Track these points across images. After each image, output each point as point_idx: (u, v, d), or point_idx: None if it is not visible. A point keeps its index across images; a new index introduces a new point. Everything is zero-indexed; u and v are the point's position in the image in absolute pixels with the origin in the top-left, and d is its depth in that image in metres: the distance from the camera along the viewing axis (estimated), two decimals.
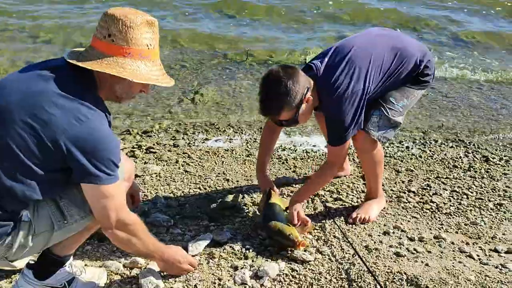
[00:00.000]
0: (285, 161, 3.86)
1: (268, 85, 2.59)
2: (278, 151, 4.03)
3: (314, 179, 3.01)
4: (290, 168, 3.74)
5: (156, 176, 3.61)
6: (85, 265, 2.51)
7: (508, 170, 3.81)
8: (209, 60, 6.16)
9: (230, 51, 6.39)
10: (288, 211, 2.84)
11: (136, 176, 3.60)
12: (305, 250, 2.67)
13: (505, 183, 3.60)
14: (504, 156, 4.07)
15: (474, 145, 4.27)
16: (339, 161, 2.91)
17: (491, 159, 4.00)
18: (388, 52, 2.78)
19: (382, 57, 2.75)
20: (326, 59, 2.73)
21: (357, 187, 3.44)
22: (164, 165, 3.77)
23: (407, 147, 4.19)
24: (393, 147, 4.17)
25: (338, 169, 3.57)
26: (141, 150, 4.02)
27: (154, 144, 4.14)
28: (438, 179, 3.64)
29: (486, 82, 5.57)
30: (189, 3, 8.23)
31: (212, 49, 6.50)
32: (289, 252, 2.62)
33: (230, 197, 3.24)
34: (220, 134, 4.35)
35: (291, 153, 4.02)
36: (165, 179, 3.56)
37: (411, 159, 3.98)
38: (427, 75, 2.92)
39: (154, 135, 4.34)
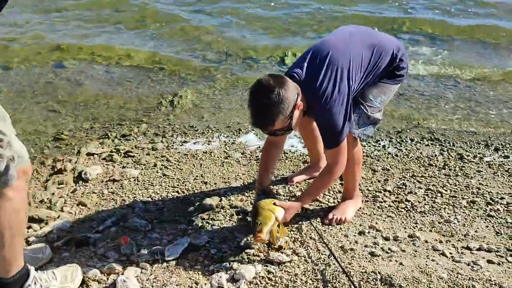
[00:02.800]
0: None
1: (260, 95, 2.52)
2: (256, 152, 4.06)
3: (314, 184, 2.98)
4: None
5: (135, 180, 3.62)
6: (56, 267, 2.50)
7: (482, 168, 3.88)
8: (188, 62, 6.16)
9: (210, 51, 6.40)
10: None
11: (114, 180, 3.62)
12: (281, 252, 2.70)
13: (478, 180, 3.66)
14: (478, 153, 4.14)
15: (449, 143, 4.34)
16: (342, 160, 2.82)
17: (466, 156, 4.06)
18: (366, 49, 2.82)
19: (361, 54, 2.79)
20: (306, 64, 2.73)
21: (334, 187, 3.47)
22: (142, 169, 3.78)
23: (384, 146, 4.24)
24: (370, 146, 4.22)
25: (316, 169, 3.63)
26: (120, 154, 4.02)
27: (132, 148, 4.14)
28: (414, 177, 3.69)
29: (462, 79, 5.65)
30: (168, 4, 8.24)
31: (192, 50, 6.50)
32: (265, 254, 2.66)
33: (208, 200, 3.26)
34: (199, 137, 4.36)
35: None
36: (144, 183, 3.57)
37: (387, 158, 4.03)
38: (402, 69, 2.97)
39: (132, 139, 4.34)
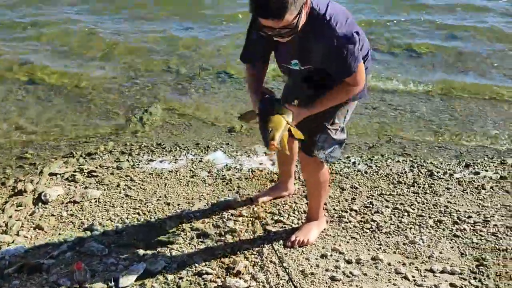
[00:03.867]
0: (229, 182, 3.81)
1: None
2: (222, 171, 3.98)
3: (329, 95, 2.60)
4: (234, 189, 3.69)
5: (96, 201, 3.53)
6: None
7: (451, 185, 3.83)
8: (162, 76, 6.08)
9: (184, 66, 6.32)
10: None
11: (75, 202, 3.52)
12: (239, 277, 2.62)
13: (447, 198, 3.61)
14: (449, 170, 4.09)
15: (420, 158, 4.29)
16: (361, 82, 2.56)
17: (436, 173, 4.01)
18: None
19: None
20: None
21: (300, 207, 3.40)
22: (105, 189, 3.69)
23: (354, 163, 4.18)
24: (340, 163, 4.16)
25: (283, 188, 3.55)
26: (83, 174, 3.93)
27: (97, 167, 4.05)
28: (382, 196, 3.63)
29: (435, 94, 5.61)
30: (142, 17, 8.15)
31: (165, 64, 6.42)
32: (223, 280, 2.58)
33: (168, 223, 3.17)
34: (166, 155, 4.27)
35: (236, 172, 3.97)
36: (105, 205, 3.48)
37: (356, 175, 3.97)
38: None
39: (98, 157, 4.25)
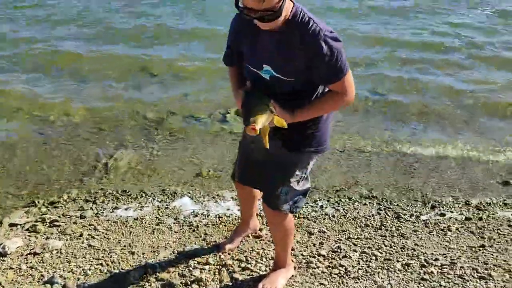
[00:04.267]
0: (196, 228, 3.75)
1: None
2: (189, 217, 3.92)
3: (317, 104, 2.50)
4: (200, 236, 3.63)
5: (57, 252, 3.42)
6: None
7: (418, 227, 3.85)
8: (129, 121, 6.02)
9: (151, 111, 6.28)
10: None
11: (35, 254, 3.40)
12: None
13: (414, 241, 3.62)
14: (415, 212, 4.12)
15: (386, 201, 4.31)
16: (352, 91, 2.48)
17: (403, 215, 4.03)
18: None
19: None
20: None
21: (267, 254, 3.36)
22: (67, 240, 3.59)
23: (321, 207, 4.17)
24: (307, 207, 4.14)
25: (246, 228, 3.51)
26: (45, 224, 3.81)
27: (59, 216, 3.94)
28: (349, 239, 3.62)
29: (400, 136, 5.69)
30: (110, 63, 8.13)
31: (132, 107, 6.37)
32: None
33: (132, 274, 3.09)
34: (131, 202, 4.20)
35: (203, 219, 3.92)
36: (66, 256, 3.38)
37: (324, 219, 3.96)
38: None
39: (61, 206, 4.14)
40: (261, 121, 2.27)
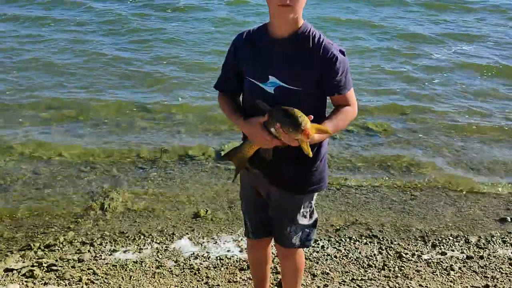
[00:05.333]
0: (197, 272, 3.69)
1: None
2: (190, 260, 3.86)
3: (340, 115, 2.48)
4: (202, 280, 3.57)
5: None
6: None
7: (421, 267, 3.83)
8: (122, 160, 5.97)
9: (144, 150, 6.25)
10: None
11: None
12: None
13: (418, 281, 3.60)
14: (416, 251, 4.10)
15: (387, 240, 4.29)
16: (356, 106, 2.57)
17: (404, 255, 4.01)
18: None
19: None
20: None
21: None
22: (66, 285, 3.51)
23: (323, 247, 4.14)
24: (309, 248, 4.10)
25: None
26: (42, 268, 3.73)
27: (57, 260, 3.86)
28: (354, 281, 3.59)
29: (395, 170, 5.72)
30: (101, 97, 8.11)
31: (126, 146, 6.33)
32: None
33: None
34: (130, 244, 4.13)
35: (203, 261, 3.86)
36: None
37: (326, 260, 3.92)
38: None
39: (57, 249, 4.05)
40: (308, 121, 2.17)
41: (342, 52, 2.45)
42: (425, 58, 9.54)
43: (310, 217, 2.77)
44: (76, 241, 4.20)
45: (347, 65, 2.45)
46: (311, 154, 2.28)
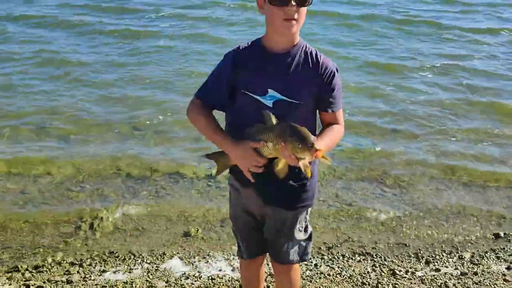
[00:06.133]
0: None
1: None
2: (181, 280, 3.79)
3: (333, 133, 2.49)
4: None
5: None
6: None
7: (415, 284, 3.79)
8: (111, 179, 5.91)
9: (134, 168, 6.19)
10: None
11: None
12: None
13: None
14: (410, 268, 4.07)
15: (380, 257, 4.25)
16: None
17: (398, 272, 3.98)
18: None
19: None
20: None
21: None
22: None
23: (316, 265, 4.09)
24: (302, 265, 4.05)
25: None
26: None
27: (44, 282, 3.78)
28: None
29: (387, 187, 5.69)
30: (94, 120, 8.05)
31: (115, 166, 6.26)
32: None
33: None
34: (119, 264, 4.05)
35: (195, 281, 3.80)
36: None
37: (320, 278, 3.87)
38: None
39: (46, 271, 3.97)
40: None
41: (337, 70, 2.49)
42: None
43: (305, 231, 2.76)
44: (64, 261, 4.12)
45: (340, 83, 2.49)
46: (309, 174, 2.26)
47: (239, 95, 2.49)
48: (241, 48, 2.55)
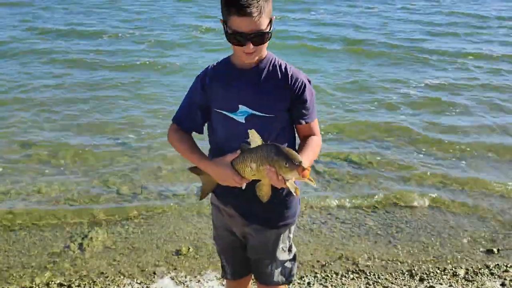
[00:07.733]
0: None
1: None
2: None
3: (313, 147, 2.46)
4: None
5: None
6: None
7: None
8: (101, 197, 5.83)
9: (124, 186, 6.12)
10: None
11: None
12: None
13: None
14: (404, 285, 4.02)
15: (374, 275, 4.21)
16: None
17: None
18: None
19: None
20: None
21: None
22: None
23: (309, 283, 4.04)
24: (294, 284, 4.00)
25: None
26: None
27: None
28: None
29: (380, 205, 5.66)
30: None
31: (105, 184, 6.20)
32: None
33: None
34: (109, 285, 3.97)
35: None
36: None
37: None
38: None
39: None
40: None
41: (309, 81, 2.48)
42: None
43: (290, 251, 2.72)
44: (53, 282, 4.04)
45: (314, 94, 2.49)
46: (298, 193, 2.23)
47: (213, 113, 2.50)
48: (209, 67, 2.55)
